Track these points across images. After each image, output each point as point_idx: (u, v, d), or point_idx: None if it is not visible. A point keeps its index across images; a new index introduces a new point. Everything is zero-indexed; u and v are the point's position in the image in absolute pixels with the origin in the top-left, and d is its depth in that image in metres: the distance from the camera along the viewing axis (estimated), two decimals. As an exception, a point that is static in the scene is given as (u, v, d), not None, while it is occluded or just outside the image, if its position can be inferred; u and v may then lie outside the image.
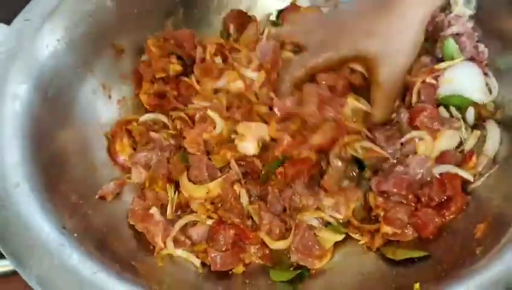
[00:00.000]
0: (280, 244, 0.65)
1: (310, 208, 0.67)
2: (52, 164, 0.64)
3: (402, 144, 0.69)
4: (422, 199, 0.65)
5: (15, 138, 0.61)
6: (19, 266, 0.53)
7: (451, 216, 0.63)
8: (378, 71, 0.70)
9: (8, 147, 0.60)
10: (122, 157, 0.73)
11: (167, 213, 0.67)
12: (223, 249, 0.64)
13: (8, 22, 0.71)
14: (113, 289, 0.52)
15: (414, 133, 0.69)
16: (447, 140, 0.69)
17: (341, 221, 0.67)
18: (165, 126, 0.75)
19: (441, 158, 0.68)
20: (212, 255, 0.64)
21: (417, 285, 0.55)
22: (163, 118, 0.75)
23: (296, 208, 0.67)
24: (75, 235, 0.56)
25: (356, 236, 0.66)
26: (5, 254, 0.54)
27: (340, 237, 0.65)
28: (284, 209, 0.68)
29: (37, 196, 0.57)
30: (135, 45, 0.80)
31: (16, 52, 0.67)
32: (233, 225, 0.65)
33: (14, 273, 0.64)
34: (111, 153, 0.73)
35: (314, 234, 0.65)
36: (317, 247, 0.64)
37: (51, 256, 0.53)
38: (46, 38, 0.69)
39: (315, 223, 0.66)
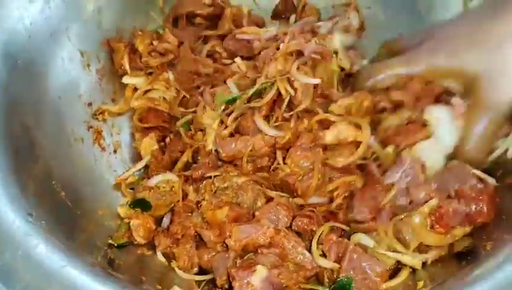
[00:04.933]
0: None
1: None
2: (22, 140, 0.57)
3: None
4: None
5: (-21, 112, 0.55)
6: (-23, 256, 0.47)
7: None
8: (480, 96, 0.54)
9: (-29, 121, 0.54)
10: None
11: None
12: None
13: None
14: (84, 285, 0.47)
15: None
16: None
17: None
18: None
19: None
20: None
21: (421, 283, 0.53)
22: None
23: None
24: (43, 223, 0.51)
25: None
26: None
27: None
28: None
29: (2, 178, 0.52)
30: (116, 6, 0.72)
31: (-18, 14, 0.60)
32: None
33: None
34: None
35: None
36: None
37: (14, 246, 0.48)
38: (17, -1, 0.62)
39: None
